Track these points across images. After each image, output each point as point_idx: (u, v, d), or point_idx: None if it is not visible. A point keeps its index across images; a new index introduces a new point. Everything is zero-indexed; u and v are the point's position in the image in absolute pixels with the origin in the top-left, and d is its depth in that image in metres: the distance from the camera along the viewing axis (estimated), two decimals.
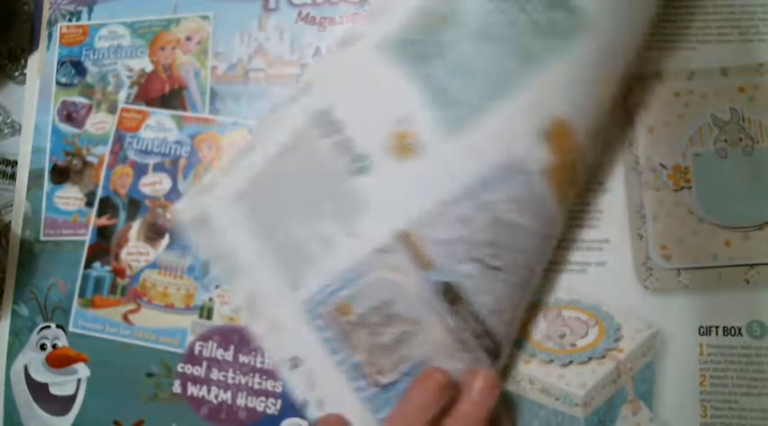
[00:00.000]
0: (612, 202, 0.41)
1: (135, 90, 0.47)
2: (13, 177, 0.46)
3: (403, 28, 0.35)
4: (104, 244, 0.46)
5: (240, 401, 0.43)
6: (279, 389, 0.43)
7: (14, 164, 0.46)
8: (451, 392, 0.36)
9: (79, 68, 0.48)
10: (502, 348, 0.37)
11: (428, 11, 0.35)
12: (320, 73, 0.39)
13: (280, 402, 0.43)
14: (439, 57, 0.34)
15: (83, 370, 0.45)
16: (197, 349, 0.44)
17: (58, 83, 0.48)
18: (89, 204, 0.46)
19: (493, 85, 0.34)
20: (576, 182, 0.37)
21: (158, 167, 0.46)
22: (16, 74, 0.46)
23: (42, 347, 0.45)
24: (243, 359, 0.43)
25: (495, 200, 0.34)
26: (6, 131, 0.46)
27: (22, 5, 0.46)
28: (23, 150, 0.47)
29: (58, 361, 0.45)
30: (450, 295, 0.35)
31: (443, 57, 0.34)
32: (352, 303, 0.35)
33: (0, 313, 0.45)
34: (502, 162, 0.34)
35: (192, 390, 0.44)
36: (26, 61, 0.47)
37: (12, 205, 0.46)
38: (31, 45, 0.47)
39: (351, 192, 0.35)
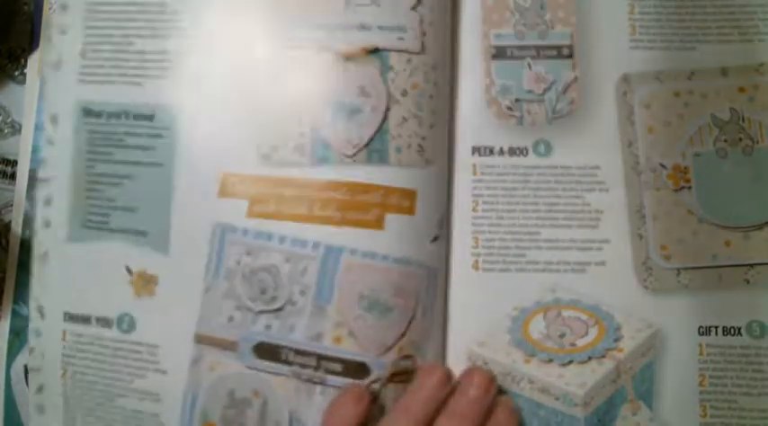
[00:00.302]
0: (612, 202, 0.41)
1: None
2: (13, 177, 0.46)
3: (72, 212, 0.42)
4: None
5: None
6: None
7: (14, 163, 0.46)
8: (450, 387, 0.37)
9: None
10: (364, 361, 0.38)
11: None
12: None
13: None
14: (110, 215, 0.41)
15: None
16: None
17: None
18: None
19: (156, 197, 0.41)
20: (284, 198, 0.39)
21: None
22: (16, 74, 0.46)
23: None
24: None
25: (236, 263, 0.39)
26: (6, 131, 0.46)
27: (22, 5, 0.46)
28: (23, 150, 0.47)
29: None
30: (266, 352, 0.39)
31: (111, 214, 0.41)
32: (211, 416, 0.39)
33: (0, 313, 0.45)
34: (213, 235, 0.40)
35: None
36: (26, 61, 0.47)
37: (12, 205, 0.46)
38: (32, 45, 0.47)
39: (137, 346, 0.41)
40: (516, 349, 0.40)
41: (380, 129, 0.39)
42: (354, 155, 0.39)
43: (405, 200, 0.39)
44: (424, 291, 0.39)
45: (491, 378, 0.38)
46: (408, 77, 0.40)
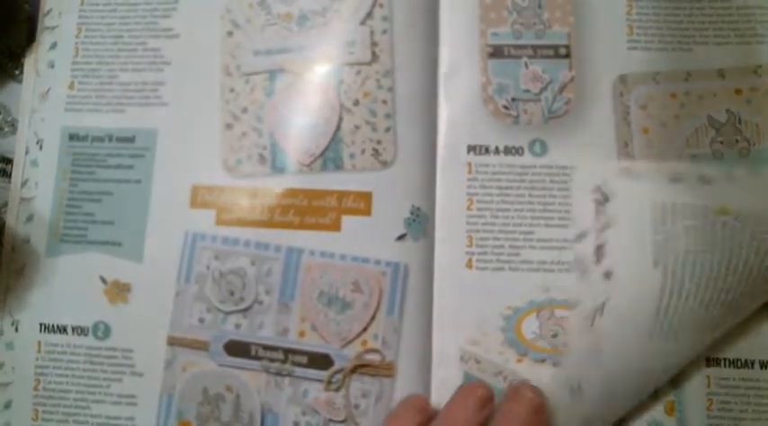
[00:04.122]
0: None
1: None
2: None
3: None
4: None
5: None
6: None
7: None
8: (491, 407, 0.37)
9: None
10: (327, 352, 0.41)
11: None
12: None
13: None
14: (88, 229, 0.44)
15: None
16: None
17: None
18: None
19: (133, 211, 0.43)
20: (248, 207, 0.43)
21: None
22: (17, 72, 0.46)
23: None
24: None
25: (206, 268, 0.42)
26: (6, 130, 0.46)
27: (21, 4, 0.47)
28: (19, 149, 0.47)
29: None
30: (237, 350, 0.42)
31: (89, 228, 0.44)
32: (186, 414, 0.41)
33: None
34: (185, 242, 0.43)
35: None
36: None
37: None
38: (30, 44, 0.47)
39: (112, 351, 0.43)
40: (509, 348, 0.40)
41: (334, 138, 0.42)
42: (311, 163, 0.42)
43: (360, 202, 0.42)
44: (389, 288, 0.41)
45: (540, 400, 0.37)
46: (359, 88, 0.43)
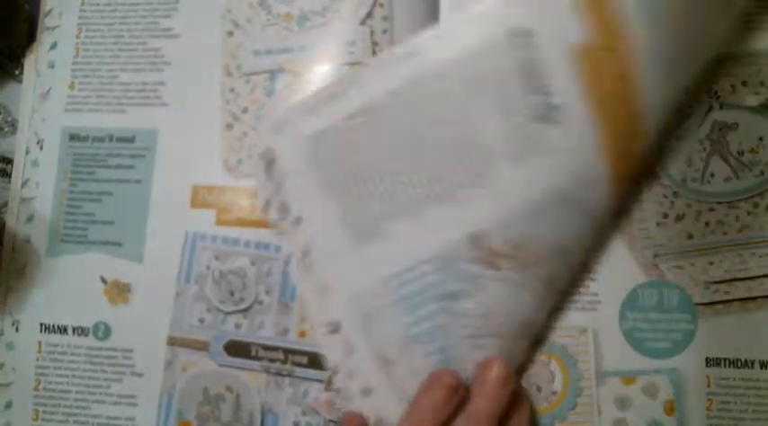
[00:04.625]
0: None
1: None
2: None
3: None
4: None
5: None
6: None
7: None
8: (463, 392, 0.36)
9: None
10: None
11: None
12: None
13: None
14: (89, 229, 0.44)
15: None
16: None
17: None
18: None
19: (134, 211, 0.43)
20: (248, 206, 0.43)
21: None
22: (17, 72, 0.46)
23: None
24: None
25: (206, 268, 0.42)
26: (6, 130, 0.46)
27: (21, 4, 0.47)
28: (19, 149, 0.47)
29: None
30: (237, 350, 0.41)
31: (90, 228, 0.44)
32: (186, 414, 0.41)
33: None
34: (185, 242, 0.43)
35: None
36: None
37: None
38: (30, 43, 0.47)
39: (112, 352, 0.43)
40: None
41: None
42: None
43: None
44: None
45: (507, 374, 0.36)
46: None
